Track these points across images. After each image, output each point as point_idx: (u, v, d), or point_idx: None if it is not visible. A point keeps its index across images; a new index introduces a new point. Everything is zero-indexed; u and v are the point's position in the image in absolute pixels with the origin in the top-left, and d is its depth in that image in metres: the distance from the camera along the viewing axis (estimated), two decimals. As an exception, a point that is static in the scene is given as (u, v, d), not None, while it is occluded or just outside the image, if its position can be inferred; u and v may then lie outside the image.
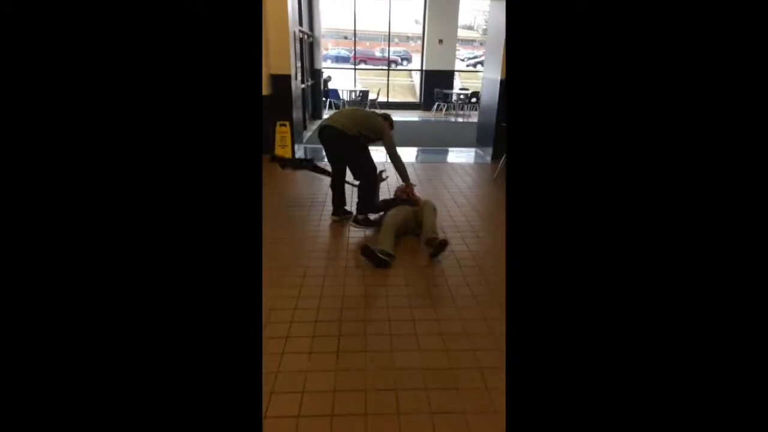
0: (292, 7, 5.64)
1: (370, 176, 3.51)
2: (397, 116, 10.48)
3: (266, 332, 2.18)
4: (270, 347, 2.07)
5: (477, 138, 7.05)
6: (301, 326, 2.24)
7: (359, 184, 3.55)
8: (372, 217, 3.60)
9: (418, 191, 3.86)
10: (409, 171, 3.76)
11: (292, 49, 5.70)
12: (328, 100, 10.65)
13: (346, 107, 3.56)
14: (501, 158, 5.38)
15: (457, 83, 12.90)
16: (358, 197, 3.55)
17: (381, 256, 2.85)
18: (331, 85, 11.26)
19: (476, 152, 6.65)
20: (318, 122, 8.61)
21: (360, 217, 3.58)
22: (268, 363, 1.95)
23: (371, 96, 11.10)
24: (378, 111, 3.85)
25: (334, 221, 3.67)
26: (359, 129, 3.39)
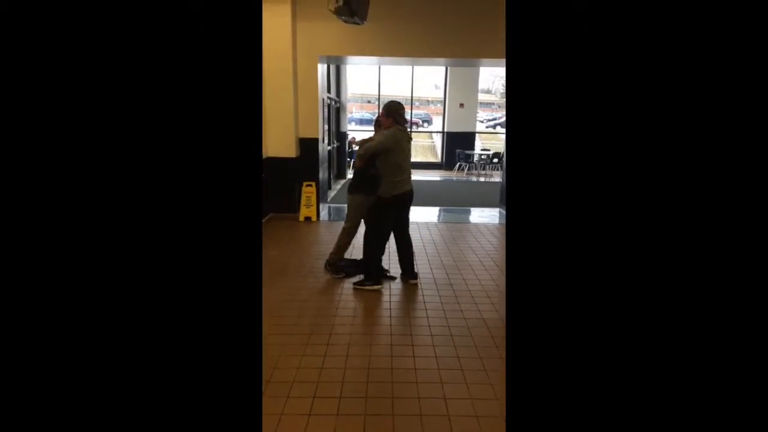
0: (322, 75, 5.94)
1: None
2: (419, 176, 10.67)
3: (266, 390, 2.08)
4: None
5: (501, 198, 7.05)
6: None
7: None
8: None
9: (443, 251, 3.80)
10: (432, 231, 3.78)
11: (321, 115, 5.94)
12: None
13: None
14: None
15: (478, 144, 13.15)
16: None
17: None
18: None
19: (500, 212, 6.61)
20: (342, 182, 8.78)
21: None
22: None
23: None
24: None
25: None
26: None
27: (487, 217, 6.43)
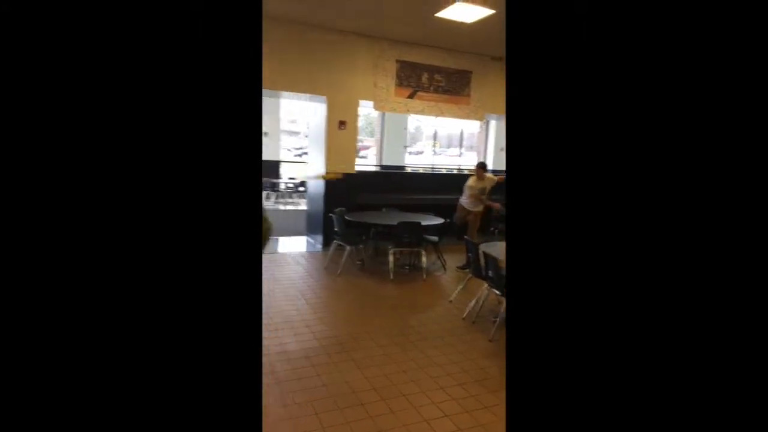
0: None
1: None
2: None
3: None
4: None
5: (306, 226, 7.21)
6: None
7: None
8: None
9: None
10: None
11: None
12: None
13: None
14: (331, 245, 5.55)
15: (285, 172, 13.26)
16: None
17: None
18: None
19: (307, 240, 6.75)
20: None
21: None
22: None
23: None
24: None
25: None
26: None
27: (293, 245, 6.47)
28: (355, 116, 6.15)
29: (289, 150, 20.19)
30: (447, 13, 4.38)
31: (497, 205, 5.41)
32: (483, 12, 4.24)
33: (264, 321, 3.43)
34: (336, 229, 5.15)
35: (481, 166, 5.36)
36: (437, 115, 6.72)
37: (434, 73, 6.47)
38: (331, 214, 5.38)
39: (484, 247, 3.60)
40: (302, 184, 11.35)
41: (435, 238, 5.12)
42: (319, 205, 6.24)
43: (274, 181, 11.29)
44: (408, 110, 6.48)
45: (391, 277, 4.79)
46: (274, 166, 12.09)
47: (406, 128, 13.92)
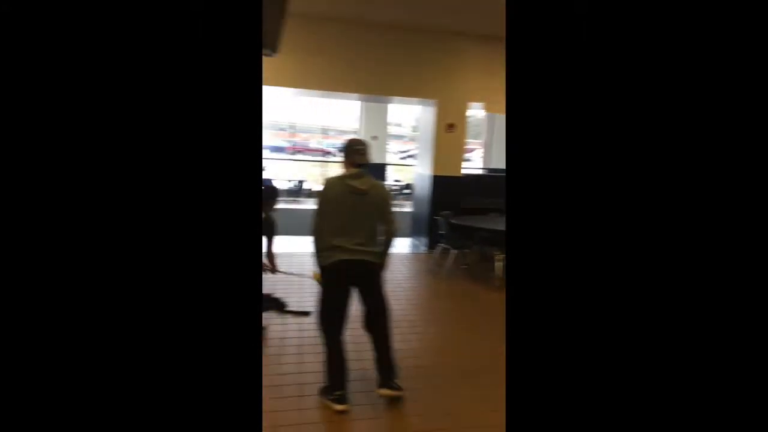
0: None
1: None
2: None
3: None
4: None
5: (411, 228, 7.30)
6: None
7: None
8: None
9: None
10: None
11: (230, 142, 5.77)
12: (264, 187, 10.68)
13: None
14: (435, 248, 5.56)
15: (390, 175, 13.59)
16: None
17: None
18: (265, 175, 11.38)
19: (412, 242, 6.84)
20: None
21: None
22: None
23: (306, 185, 11.31)
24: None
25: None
26: None
27: (397, 246, 6.60)
28: (464, 119, 6.09)
29: (394, 153, 20.68)
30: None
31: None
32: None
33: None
34: (442, 232, 5.14)
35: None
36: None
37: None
38: (436, 217, 5.39)
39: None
40: (407, 186, 11.54)
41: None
42: (425, 207, 6.28)
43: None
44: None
45: (497, 284, 4.64)
46: (381, 168, 12.46)
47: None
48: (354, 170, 2.36)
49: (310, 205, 10.91)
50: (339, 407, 2.20)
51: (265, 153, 15.32)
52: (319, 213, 2.35)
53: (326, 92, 5.94)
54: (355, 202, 2.30)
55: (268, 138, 19.32)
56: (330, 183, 2.40)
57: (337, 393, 2.23)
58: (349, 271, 2.30)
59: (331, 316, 2.33)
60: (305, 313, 3.60)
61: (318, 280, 2.43)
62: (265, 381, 2.53)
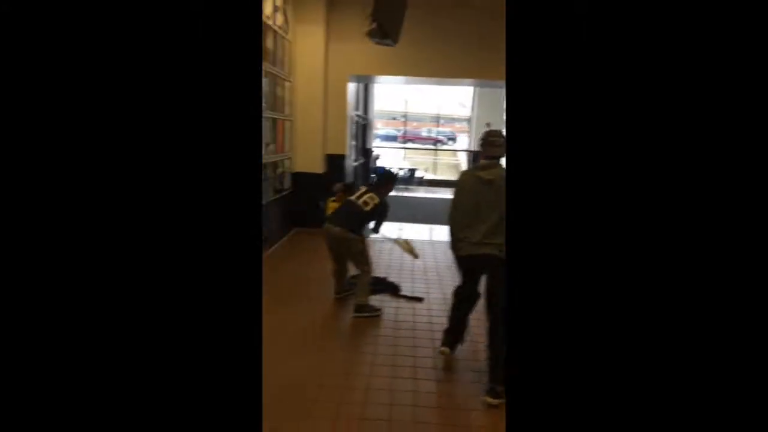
0: (351, 93, 6.06)
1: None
2: (442, 194, 10.65)
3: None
4: None
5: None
6: (349, 417, 2.13)
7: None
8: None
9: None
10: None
11: (348, 132, 6.04)
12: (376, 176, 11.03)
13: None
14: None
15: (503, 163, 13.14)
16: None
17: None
18: (379, 163, 11.72)
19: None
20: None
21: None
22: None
23: (418, 173, 11.41)
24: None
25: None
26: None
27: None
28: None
29: (507, 141, 19.81)
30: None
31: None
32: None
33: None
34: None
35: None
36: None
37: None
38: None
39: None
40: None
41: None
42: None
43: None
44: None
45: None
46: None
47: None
48: (485, 162, 2.42)
49: (422, 193, 11.00)
50: (444, 349, 2.60)
51: (377, 142, 15.80)
52: (452, 204, 2.49)
53: (440, 79, 5.90)
54: (481, 192, 2.34)
55: (381, 127, 19.87)
56: (462, 174, 2.62)
57: (448, 343, 2.62)
58: (473, 264, 2.42)
59: (459, 296, 2.58)
60: (419, 299, 3.66)
61: (406, 248, 3.38)
62: (380, 360, 2.65)
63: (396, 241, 3.64)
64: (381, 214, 3.38)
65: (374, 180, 3.84)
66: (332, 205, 5.78)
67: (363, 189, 3.46)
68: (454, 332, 2.60)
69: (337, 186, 4.76)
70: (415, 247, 3.60)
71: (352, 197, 3.42)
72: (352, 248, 3.35)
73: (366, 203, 3.32)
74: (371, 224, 3.40)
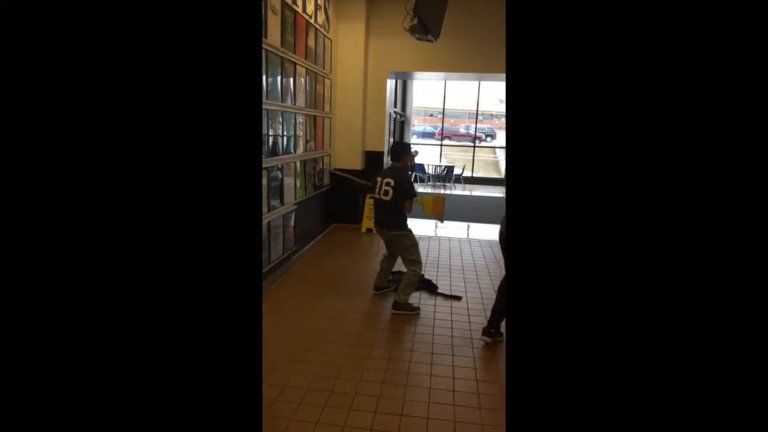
0: (390, 89, 6.07)
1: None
2: (480, 192, 10.50)
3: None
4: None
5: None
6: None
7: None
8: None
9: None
10: (495, 249, 3.65)
11: (387, 129, 6.05)
12: (415, 174, 11.00)
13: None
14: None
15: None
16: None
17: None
18: (417, 160, 11.68)
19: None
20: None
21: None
22: None
23: (456, 171, 11.29)
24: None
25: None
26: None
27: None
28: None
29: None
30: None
31: None
32: None
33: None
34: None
35: None
36: None
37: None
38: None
39: None
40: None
41: None
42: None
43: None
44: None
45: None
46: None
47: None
48: None
49: (459, 191, 10.89)
50: (486, 339, 2.88)
51: (414, 138, 15.72)
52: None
53: (479, 75, 5.80)
54: None
55: (418, 123, 19.76)
56: None
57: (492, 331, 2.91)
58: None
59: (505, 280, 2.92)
60: (457, 298, 3.63)
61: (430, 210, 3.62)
62: (416, 357, 2.65)
63: (419, 200, 3.49)
64: (407, 191, 3.28)
65: (389, 159, 3.71)
66: (370, 202, 5.83)
67: (378, 179, 3.34)
68: (497, 321, 2.88)
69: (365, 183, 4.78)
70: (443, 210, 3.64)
71: (375, 193, 3.36)
72: (395, 245, 3.37)
73: (386, 192, 3.26)
74: (407, 200, 3.29)
